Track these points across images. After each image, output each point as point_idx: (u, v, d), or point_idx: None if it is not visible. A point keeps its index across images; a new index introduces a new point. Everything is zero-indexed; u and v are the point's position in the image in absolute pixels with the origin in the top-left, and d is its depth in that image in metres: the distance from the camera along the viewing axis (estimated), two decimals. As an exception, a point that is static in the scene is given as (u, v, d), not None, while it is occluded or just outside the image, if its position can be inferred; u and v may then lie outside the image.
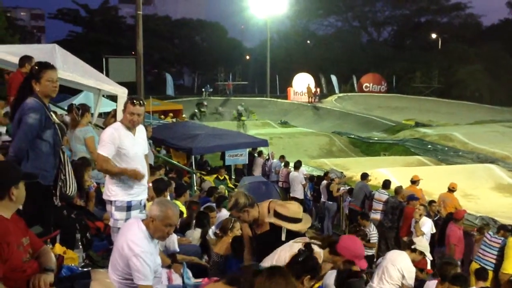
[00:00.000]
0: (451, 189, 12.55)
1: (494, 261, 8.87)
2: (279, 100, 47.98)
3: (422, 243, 6.57)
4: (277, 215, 4.59)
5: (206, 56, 59.88)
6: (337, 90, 51.09)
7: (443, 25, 66.28)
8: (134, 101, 4.88)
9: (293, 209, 4.66)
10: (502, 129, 29.60)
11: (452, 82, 54.51)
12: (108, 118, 9.46)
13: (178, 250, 5.59)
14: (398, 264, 6.08)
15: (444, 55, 57.90)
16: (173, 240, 5.57)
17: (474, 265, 9.09)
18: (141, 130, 5.13)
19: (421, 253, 6.36)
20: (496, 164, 21.03)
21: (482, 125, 32.45)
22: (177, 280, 4.78)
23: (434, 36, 63.28)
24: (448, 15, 67.30)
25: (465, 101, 47.49)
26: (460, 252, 9.56)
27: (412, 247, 6.42)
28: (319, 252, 4.16)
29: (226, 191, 12.39)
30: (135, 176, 4.84)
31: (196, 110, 38.16)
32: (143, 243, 3.73)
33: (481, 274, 7.51)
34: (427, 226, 9.83)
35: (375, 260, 10.19)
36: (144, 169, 5.06)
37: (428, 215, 10.74)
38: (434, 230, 10.01)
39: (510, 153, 23.06)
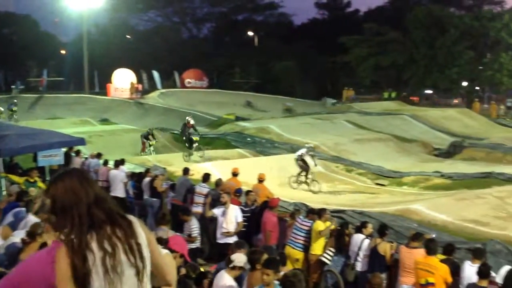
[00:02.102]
0: (260, 180, 13.26)
1: (304, 243, 9.57)
2: (98, 96, 46.21)
3: (240, 259, 6.76)
4: None
5: (16, 51, 55.38)
6: (159, 86, 50.78)
7: (259, 23, 69.68)
8: None
9: None
10: (312, 121, 31.95)
11: (268, 77, 57.62)
12: None
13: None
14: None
15: (260, 52, 60.92)
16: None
17: (288, 249, 9.71)
18: None
19: (240, 268, 6.59)
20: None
21: (294, 117, 34.72)
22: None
23: (251, 33, 66.15)
24: (263, 13, 70.93)
25: (280, 96, 50.29)
26: (275, 238, 10.11)
27: (231, 265, 6.60)
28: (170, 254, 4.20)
29: (39, 194, 11.60)
30: None
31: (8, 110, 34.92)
32: None
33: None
34: (238, 214, 10.28)
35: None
36: None
37: (246, 205, 11.23)
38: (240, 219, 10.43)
39: (319, 143, 24.94)
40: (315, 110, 41.19)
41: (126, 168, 16.74)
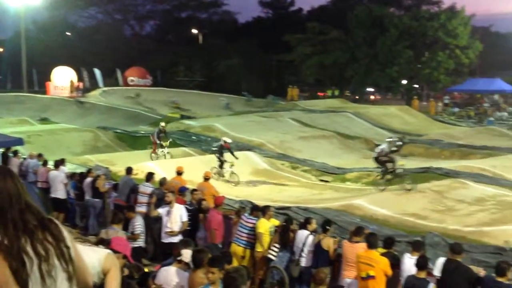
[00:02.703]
0: (206, 178, 13.25)
1: (250, 240, 9.61)
2: (37, 95, 44.87)
3: (188, 255, 6.77)
4: None
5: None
6: (101, 84, 49.74)
7: (203, 21, 69.35)
8: None
9: None
10: (257, 119, 32.14)
11: (214, 75, 57.52)
12: None
13: None
14: (174, 282, 6.23)
15: (205, 50, 60.65)
16: None
17: (233, 247, 9.72)
18: None
19: (186, 264, 6.57)
20: (253, 151, 22.75)
21: (240, 115, 34.82)
22: None
23: (195, 31, 65.70)
24: (207, 11, 70.61)
25: (225, 94, 50.24)
26: (221, 236, 10.11)
27: (178, 258, 6.59)
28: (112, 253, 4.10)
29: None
30: None
31: None
32: None
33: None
34: (183, 213, 10.24)
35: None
36: None
37: (191, 203, 11.17)
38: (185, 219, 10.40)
39: (265, 141, 25.14)
40: (260, 107, 41.32)
41: (67, 168, 16.34)
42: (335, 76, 54.81)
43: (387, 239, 8.38)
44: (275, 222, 9.96)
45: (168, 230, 10.15)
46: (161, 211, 10.41)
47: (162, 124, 22.65)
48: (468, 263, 7.80)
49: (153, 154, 21.56)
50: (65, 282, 2.33)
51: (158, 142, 21.47)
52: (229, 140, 19.74)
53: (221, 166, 19.03)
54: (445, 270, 7.08)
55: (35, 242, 2.28)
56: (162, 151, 21.45)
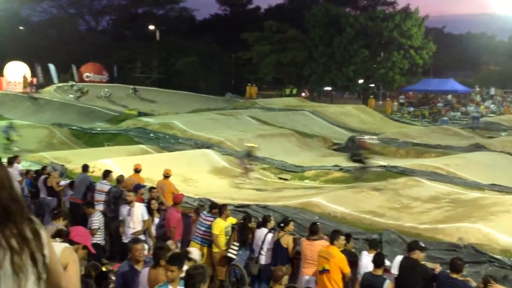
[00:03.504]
0: (166, 175, 13.13)
1: (205, 238, 9.60)
2: (-11, 91, 43.60)
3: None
4: None
5: None
6: (55, 80, 48.62)
7: (160, 17, 68.52)
8: None
9: None
10: (216, 116, 32.00)
11: (171, 72, 56.99)
12: None
13: None
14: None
15: (162, 47, 60.02)
16: None
17: (193, 245, 9.68)
18: None
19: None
20: (212, 149, 22.64)
21: (199, 113, 34.60)
22: None
23: (152, 27, 64.91)
24: (164, 7, 69.81)
25: (183, 91, 49.85)
26: (179, 234, 10.04)
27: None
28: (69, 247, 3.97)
29: None
30: None
31: None
32: None
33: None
34: (144, 211, 10.15)
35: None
36: None
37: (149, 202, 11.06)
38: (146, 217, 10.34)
39: (224, 138, 25.08)
40: (219, 105, 41.23)
41: (21, 166, 15.90)
42: (293, 74, 55.11)
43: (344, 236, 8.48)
44: (233, 220, 9.96)
45: (133, 230, 10.02)
46: (123, 211, 10.31)
47: (251, 144, 18.74)
48: (424, 260, 7.98)
49: (243, 179, 17.73)
50: (32, 285, 2.22)
51: (248, 166, 17.78)
52: (374, 139, 15.72)
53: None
54: (402, 268, 7.23)
55: (10, 234, 2.17)
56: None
